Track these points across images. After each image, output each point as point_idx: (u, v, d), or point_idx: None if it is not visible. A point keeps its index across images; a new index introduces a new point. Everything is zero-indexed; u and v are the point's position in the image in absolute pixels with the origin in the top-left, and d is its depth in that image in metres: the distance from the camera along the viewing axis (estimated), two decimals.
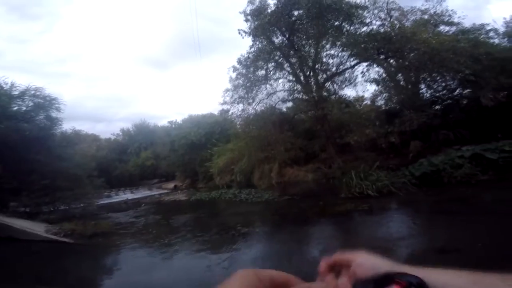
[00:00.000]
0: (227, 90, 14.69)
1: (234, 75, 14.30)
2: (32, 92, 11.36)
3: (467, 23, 13.36)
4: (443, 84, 13.14)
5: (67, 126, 21.34)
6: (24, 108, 11.35)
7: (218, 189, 15.96)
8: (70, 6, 56.20)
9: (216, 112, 22.89)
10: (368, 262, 0.47)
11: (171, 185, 24.23)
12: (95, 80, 60.60)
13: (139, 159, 28.98)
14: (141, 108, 64.76)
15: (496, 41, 12.89)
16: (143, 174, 29.00)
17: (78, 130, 29.33)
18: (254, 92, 14.16)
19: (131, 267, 5.76)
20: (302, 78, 13.90)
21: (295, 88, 14.58)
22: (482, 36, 12.69)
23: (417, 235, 5.36)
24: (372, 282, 0.41)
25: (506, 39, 12.89)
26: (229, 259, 5.31)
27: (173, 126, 26.60)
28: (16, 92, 11.28)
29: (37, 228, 8.29)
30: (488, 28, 13.04)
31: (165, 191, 22.41)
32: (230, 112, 16.30)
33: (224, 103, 15.30)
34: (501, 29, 13.10)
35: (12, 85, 11.38)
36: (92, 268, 6.01)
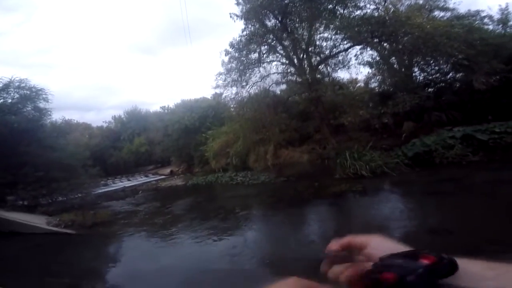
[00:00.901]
0: (220, 73, 14.47)
1: (226, 58, 14.02)
2: (17, 84, 10.97)
3: (462, 9, 13.39)
4: (436, 67, 13.23)
5: (56, 116, 20.94)
6: (9, 101, 10.99)
7: (214, 173, 16.13)
8: None
9: (209, 96, 22.63)
10: (384, 245, 0.47)
11: (167, 170, 24.30)
12: (82, 69, 58.31)
13: (133, 145, 28.72)
14: (132, 95, 63.34)
15: (491, 27, 13.01)
16: (138, 161, 28.90)
17: (69, 119, 28.85)
18: (247, 75, 14.00)
19: (136, 255, 5.89)
20: (295, 60, 13.70)
21: (289, 70, 14.41)
22: (477, 22, 12.78)
23: (409, 216, 5.60)
24: (400, 258, 0.40)
25: (500, 25, 13.06)
26: (230, 244, 5.49)
27: (166, 111, 26.19)
28: (0, 85, 10.86)
29: (38, 221, 8.34)
30: (483, 14, 13.20)
31: (162, 176, 22.51)
32: (223, 96, 16.11)
33: (217, 86, 15.13)
34: (496, 16, 13.27)
35: None
36: (96, 258, 6.13)
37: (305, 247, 4.79)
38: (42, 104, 11.48)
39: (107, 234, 7.64)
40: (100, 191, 15.63)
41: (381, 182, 8.36)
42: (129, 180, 22.19)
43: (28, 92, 11.03)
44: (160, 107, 27.61)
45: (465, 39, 10.30)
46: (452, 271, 0.38)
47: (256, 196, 10.12)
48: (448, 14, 13.43)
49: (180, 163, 23.65)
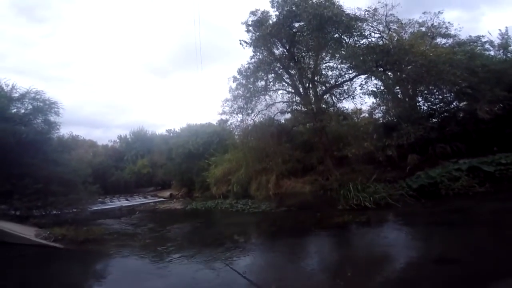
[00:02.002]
0: (227, 100, 14.65)
1: (234, 85, 14.29)
2: (32, 95, 11.34)
3: (463, 35, 13.44)
4: (440, 96, 13.12)
5: (64, 131, 21.37)
6: (22, 111, 11.30)
7: (215, 199, 15.81)
8: (75, 9, 56.47)
9: (214, 122, 23.00)
10: None
11: (166, 193, 23.98)
12: (94, 86, 60.62)
13: (136, 166, 28.76)
14: (139, 115, 64.64)
15: (492, 53, 12.91)
16: (139, 182, 28.71)
17: (76, 135, 29.40)
18: (253, 103, 14.14)
19: (122, 275, 5.58)
20: (301, 89, 13.94)
21: (294, 99, 14.62)
22: (478, 48, 12.72)
23: (415, 246, 5.30)
24: None
25: (501, 51, 12.91)
26: (224, 271, 5.14)
27: (171, 134, 26.59)
28: (16, 95, 11.29)
29: (27, 232, 8.06)
30: (483, 40, 13.07)
31: (161, 199, 22.20)
32: (228, 122, 16.30)
33: (223, 113, 15.15)
34: (497, 41, 13.08)
35: (13, 87, 11.44)
36: (79, 275, 5.79)
37: (303, 277, 4.47)
38: (52, 118, 11.72)
39: (96, 251, 7.34)
40: (96, 208, 15.36)
41: (385, 213, 8.10)
42: (127, 200, 22.01)
43: (42, 104, 11.35)
44: (166, 130, 28.06)
45: (467, 66, 10.34)
46: None
47: (256, 225, 9.80)
48: (450, 40, 13.40)
49: (180, 187, 23.37)
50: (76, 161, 17.28)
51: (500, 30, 13.02)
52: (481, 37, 13.08)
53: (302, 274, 4.61)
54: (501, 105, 10.36)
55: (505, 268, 3.38)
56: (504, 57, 12.47)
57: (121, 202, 20.54)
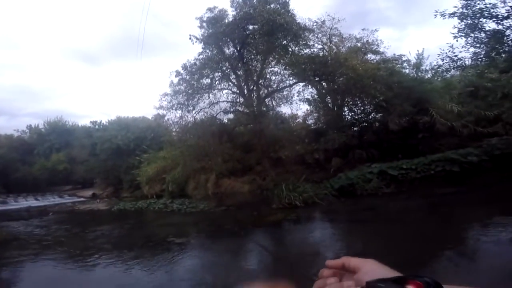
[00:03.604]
0: (166, 94, 13.90)
1: (176, 80, 13.64)
2: None
3: (389, 53, 14.60)
4: (362, 108, 14.75)
5: None
6: None
7: (146, 199, 14.78)
8: None
9: (150, 117, 21.39)
10: (376, 270, 0.46)
11: (88, 192, 21.20)
12: (1, 67, 49.01)
13: (49, 161, 24.49)
14: (59, 104, 55.23)
15: (407, 71, 14.16)
16: (52, 179, 24.44)
17: None
18: (195, 100, 13.76)
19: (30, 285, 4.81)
20: (245, 91, 14.16)
21: (238, 100, 14.76)
22: (398, 66, 13.84)
23: (337, 241, 6.14)
24: (386, 282, 0.40)
25: (414, 69, 14.15)
26: (153, 273, 4.94)
27: (97, 127, 23.46)
28: None
29: None
30: (404, 59, 14.32)
31: (81, 199, 19.58)
32: (166, 118, 15.35)
33: (161, 107, 14.36)
34: (413, 60, 14.34)
35: None
36: None
37: (240, 275, 4.68)
38: None
39: None
40: None
41: (312, 211, 9.02)
42: (37, 199, 18.80)
43: None
44: (91, 122, 24.48)
45: (386, 81, 11.62)
46: None
47: (193, 224, 9.61)
48: (378, 57, 14.23)
49: (105, 186, 20.96)
50: None
51: (418, 50, 14.70)
52: (402, 56, 14.34)
53: (240, 272, 4.84)
54: (407, 118, 11.94)
55: (411, 258, 4.13)
56: (416, 75, 13.75)
57: (29, 202, 17.57)
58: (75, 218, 12.27)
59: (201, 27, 13.21)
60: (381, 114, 13.52)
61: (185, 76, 13.49)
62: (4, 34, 50.25)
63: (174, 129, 16.41)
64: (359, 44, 14.37)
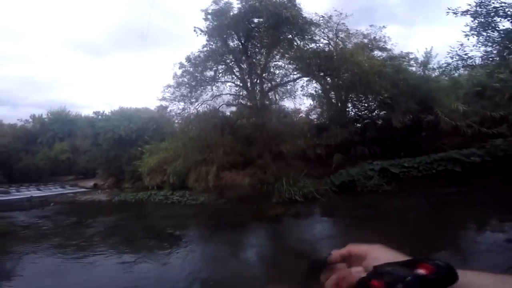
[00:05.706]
0: (169, 86, 13.81)
1: (179, 72, 13.55)
2: None
3: (396, 50, 14.26)
4: (366, 104, 14.63)
5: None
6: None
7: (147, 190, 14.83)
8: None
9: (152, 108, 21.33)
10: (384, 255, 0.46)
11: (90, 183, 21.34)
12: (5, 57, 49.19)
13: (52, 151, 24.61)
14: (62, 95, 55.38)
15: (414, 69, 13.83)
16: (55, 169, 24.59)
17: None
18: (198, 92, 13.68)
19: (31, 276, 4.87)
20: (249, 84, 14.03)
21: (241, 93, 14.65)
22: (405, 63, 13.59)
23: (334, 237, 6.13)
24: (394, 266, 0.39)
25: (421, 67, 13.76)
26: (153, 265, 4.99)
27: (100, 117, 23.44)
28: None
29: None
30: (411, 56, 14.00)
31: (82, 189, 19.72)
32: (168, 109, 15.28)
33: (163, 99, 14.23)
34: (421, 58, 13.93)
35: None
36: None
37: (239, 267, 4.71)
38: None
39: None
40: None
41: (312, 206, 9.01)
42: (39, 189, 18.86)
43: None
44: (94, 112, 24.46)
45: (392, 78, 11.50)
46: (450, 281, 0.37)
47: (193, 217, 9.67)
48: (385, 54, 14.03)
49: (107, 177, 21.07)
50: None
51: (426, 48, 14.21)
52: (409, 54, 14.03)
53: (240, 264, 4.87)
54: (411, 116, 11.83)
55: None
56: (422, 73, 13.45)
57: (31, 192, 17.56)
58: (76, 209, 12.44)
59: (205, 19, 13.05)
60: (385, 111, 13.43)
61: (189, 68, 13.42)
62: (8, 25, 50.18)
63: (176, 121, 16.39)
64: (366, 40, 14.17)
